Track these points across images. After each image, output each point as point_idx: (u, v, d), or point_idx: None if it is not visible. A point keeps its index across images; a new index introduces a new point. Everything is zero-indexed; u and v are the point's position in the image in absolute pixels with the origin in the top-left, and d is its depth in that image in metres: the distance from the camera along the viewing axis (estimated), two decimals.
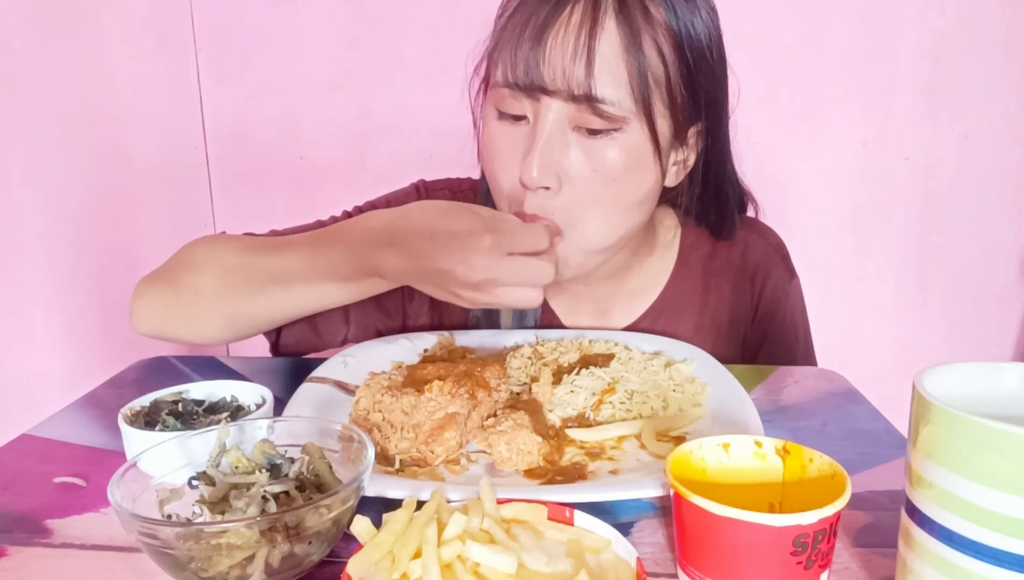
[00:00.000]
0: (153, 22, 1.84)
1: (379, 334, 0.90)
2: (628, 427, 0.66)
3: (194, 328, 0.79)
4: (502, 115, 0.75)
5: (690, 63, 0.73)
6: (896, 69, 1.84)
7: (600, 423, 0.67)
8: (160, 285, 0.80)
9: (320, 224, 0.88)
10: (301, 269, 0.74)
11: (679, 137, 0.77)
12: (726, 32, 0.79)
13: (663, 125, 0.74)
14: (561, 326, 0.92)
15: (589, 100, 0.70)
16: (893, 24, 1.81)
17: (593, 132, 0.72)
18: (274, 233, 0.88)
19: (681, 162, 0.80)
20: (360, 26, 1.83)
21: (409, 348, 0.83)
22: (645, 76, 0.71)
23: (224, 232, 0.88)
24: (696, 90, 0.75)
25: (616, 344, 0.82)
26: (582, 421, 0.68)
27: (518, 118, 0.74)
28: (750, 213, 0.95)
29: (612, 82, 0.70)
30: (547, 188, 0.72)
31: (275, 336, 0.88)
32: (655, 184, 0.77)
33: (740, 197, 0.91)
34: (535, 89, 0.71)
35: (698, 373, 0.76)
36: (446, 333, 0.86)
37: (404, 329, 0.93)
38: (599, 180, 0.73)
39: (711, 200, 0.88)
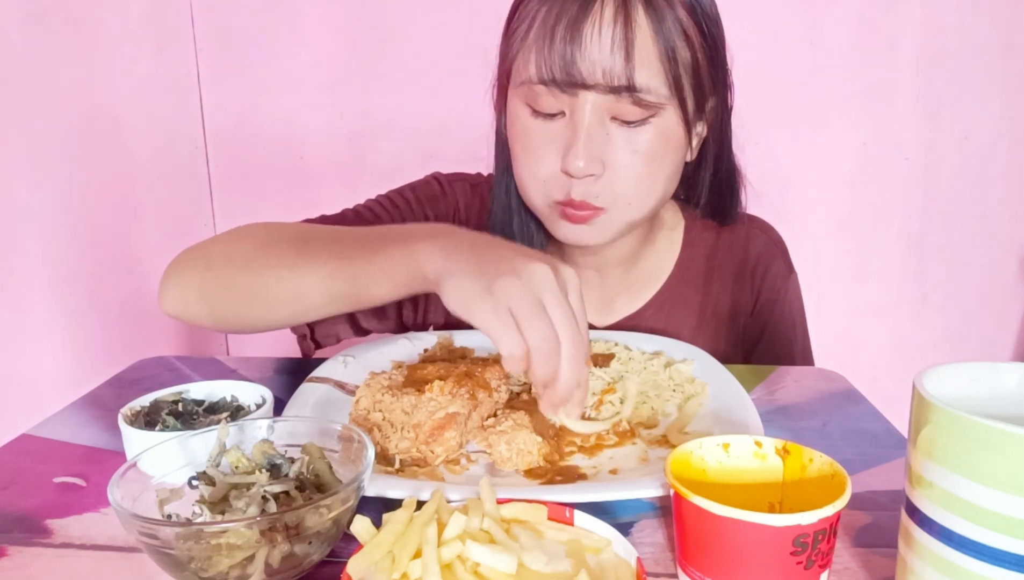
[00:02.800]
0: (153, 22, 1.84)
1: (401, 324, 0.91)
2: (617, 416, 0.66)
3: (220, 305, 0.72)
4: (536, 113, 0.77)
5: (707, 36, 0.76)
6: (896, 69, 1.84)
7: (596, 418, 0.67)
8: (189, 259, 0.75)
9: (355, 213, 0.89)
10: (351, 263, 0.65)
11: (699, 113, 0.79)
12: (727, 31, 0.81)
13: (691, 105, 0.77)
14: None
15: (629, 90, 0.72)
16: (893, 24, 1.81)
17: (630, 122, 0.74)
18: (305, 221, 0.83)
19: (699, 136, 0.83)
20: (360, 26, 1.83)
21: (409, 348, 0.83)
22: (675, 60, 0.73)
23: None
24: (715, 63, 0.78)
25: (616, 344, 0.82)
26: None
27: (553, 115, 0.76)
28: (744, 197, 0.95)
29: (647, 70, 0.72)
30: (593, 175, 0.75)
31: (308, 330, 0.86)
32: (683, 157, 0.82)
33: (739, 179, 0.93)
34: (574, 85, 0.73)
35: (698, 373, 0.76)
36: (446, 333, 0.86)
37: (424, 319, 0.94)
38: (639, 161, 0.76)
39: (720, 178, 0.90)
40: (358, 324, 0.89)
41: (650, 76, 0.72)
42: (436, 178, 0.97)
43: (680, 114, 0.76)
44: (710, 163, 0.87)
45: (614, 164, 0.76)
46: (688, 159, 0.84)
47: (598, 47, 0.71)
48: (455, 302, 0.56)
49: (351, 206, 0.92)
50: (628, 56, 0.71)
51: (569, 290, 0.56)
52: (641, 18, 0.72)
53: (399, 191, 0.94)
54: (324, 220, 0.87)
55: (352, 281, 0.65)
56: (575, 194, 0.76)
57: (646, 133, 0.75)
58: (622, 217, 0.79)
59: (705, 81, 0.77)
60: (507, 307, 0.53)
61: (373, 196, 0.94)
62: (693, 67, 0.75)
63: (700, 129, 0.82)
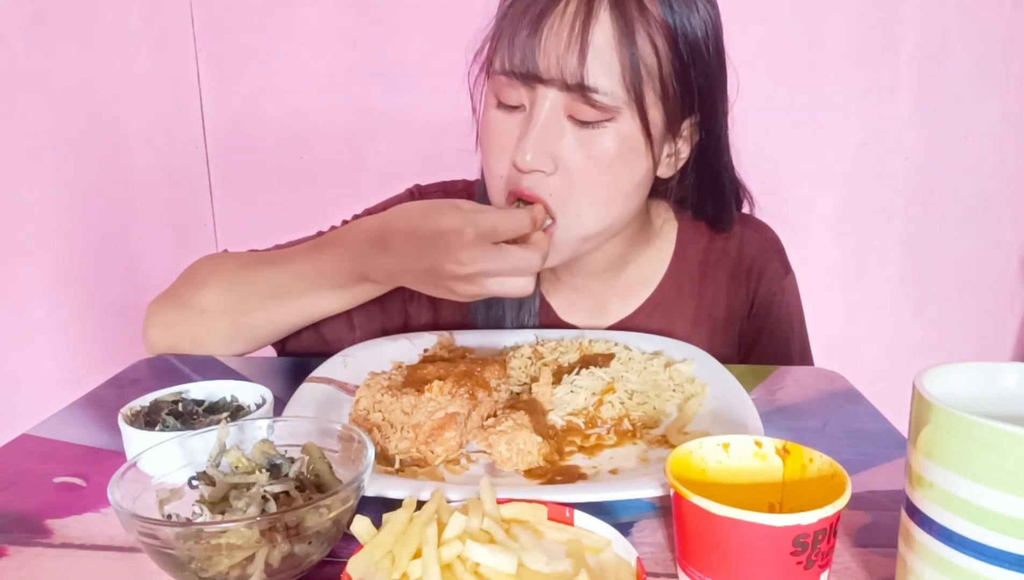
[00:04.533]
0: (153, 22, 1.84)
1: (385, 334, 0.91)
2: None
3: (201, 345, 0.85)
4: (500, 104, 0.77)
5: (684, 57, 0.75)
6: (896, 69, 1.84)
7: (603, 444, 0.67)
8: (168, 306, 0.86)
9: (320, 235, 0.90)
10: (296, 280, 0.79)
11: (672, 129, 0.78)
12: (727, 32, 0.80)
13: (655, 116, 0.75)
14: (558, 321, 0.93)
15: (582, 89, 0.71)
16: (893, 24, 1.81)
17: (586, 124, 0.74)
18: (277, 247, 0.90)
19: (675, 154, 0.81)
20: (360, 26, 1.83)
21: (409, 348, 0.83)
22: (638, 68, 0.72)
23: (226, 250, 0.91)
24: (689, 83, 0.76)
25: (616, 344, 0.82)
26: (586, 420, 0.68)
27: (515, 107, 0.76)
28: (745, 209, 0.95)
29: (605, 73, 0.71)
30: (542, 171, 0.74)
31: (280, 346, 0.91)
32: (647, 173, 0.79)
33: (736, 190, 0.91)
34: (531, 77, 0.73)
35: (698, 373, 0.76)
36: (446, 333, 0.86)
37: (406, 329, 0.93)
38: (593, 166, 0.74)
39: (707, 190, 0.89)
40: (325, 339, 0.89)
41: (606, 78, 0.71)
42: (411, 192, 0.97)
43: (640, 123, 0.74)
44: (691, 175, 0.86)
45: (566, 165, 0.74)
46: (663, 176, 0.82)
47: (555, 42, 0.71)
48: (430, 294, 0.73)
49: (326, 228, 0.92)
50: (583, 54, 0.70)
51: (480, 232, 0.67)
52: (604, 18, 0.71)
53: (371, 211, 0.95)
54: (292, 244, 0.90)
55: (321, 310, 0.81)
56: (524, 185, 0.75)
57: (602, 137, 0.73)
58: (572, 232, 0.77)
59: (673, 95, 0.75)
60: (465, 290, 0.69)
61: (360, 210, 0.96)
62: (660, 78, 0.74)
63: (674, 148, 0.80)
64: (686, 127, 0.80)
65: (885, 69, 1.84)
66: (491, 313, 0.92)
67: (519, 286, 0.68)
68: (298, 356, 0.90)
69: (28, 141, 1.91)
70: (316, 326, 0.89)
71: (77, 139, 1.91)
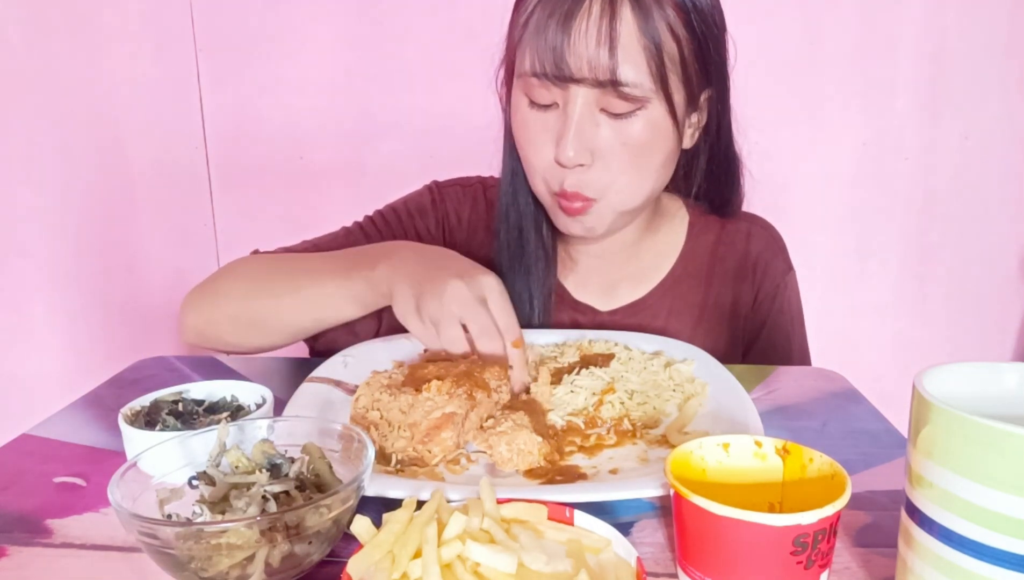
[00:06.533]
0: (153, 22, 1.84)
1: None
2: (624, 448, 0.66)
3: (227, 333, 0.86)
4: (533, 103, 0.80)
5: (699, 35, 0.78)
6: (896, 69, 1.84)
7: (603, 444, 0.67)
8: (199, 294, 0.88)
9: (347, 232, 0.95)
10: (325, 290, 0.80)
11: (692, 104, 0.82)
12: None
13: (679, 98, 0.79)
14: (572, 300, 0.96)
15: (614, 85, 0.75)
16: (893, 24, 1.81)
17: (618, 115, 0.77)
18: (304, 242, 0.93)
19: (695, 125, 0.85)
20: (360, 26, 1.83)
21: (410, 348, 0.83)
22: (661, 56, 0.75)
23: (256, 250, 0.92)
24: (706, 60, 0.80)
25: (616, 344, 0.82)
26: (586, 420, 0.68)
27: (548, 105, 0.79)
28: (743, 186, 0.97)
29: (632, 67, 0.75)
30: (583, 164, 0.79)
31: (312, 340, 0.92)
32: (675, 147, 0.83)
33: (738, 168, 0.94)
34: (564, 79, 0.76)
35: (698, 373, 0.76)
36: None
37: None
38: (627, 152, 0.79)
39: (720, 169, 0.92)
40: (355, 332, 0.90)
41: (635, 71, 0.75)
42: (429, 188, 1.00)
43: (667, 107, 0.78)
44: (706, 151, 0.90)
45: (603, 154, 0.79)
46: (686, 146, 0.86)
47: (585, 43, 0.74)
48: (398, 314, 0.72)
49: (348, 224, 0.96)
50: (612, 52, 0.74)
51: (486, 296, 0.70)
52: (627, 14, 0.74)
53: (392, 206, 0.99)
54: (320, 241, 0.94)
55: (328, 307, 0.79)
56: (567, 185, 0.80)
57: (634, 125, 0.78)
58: (614, 206, 0.82)
59: (693, 75, 0.79)
60: (429, 319, 0.69)
61: (371, 207, 0.98)
62: (681, 62, 0.77)
63: (695, 119, 0.84)
64: (704, 99, 0.84)
65: (885, 69, 1.84)
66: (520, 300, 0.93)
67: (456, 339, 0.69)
68: (325, 354, 0.89)
69: (28, 141, 1.91)
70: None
71: (77, 139, 1.91)
